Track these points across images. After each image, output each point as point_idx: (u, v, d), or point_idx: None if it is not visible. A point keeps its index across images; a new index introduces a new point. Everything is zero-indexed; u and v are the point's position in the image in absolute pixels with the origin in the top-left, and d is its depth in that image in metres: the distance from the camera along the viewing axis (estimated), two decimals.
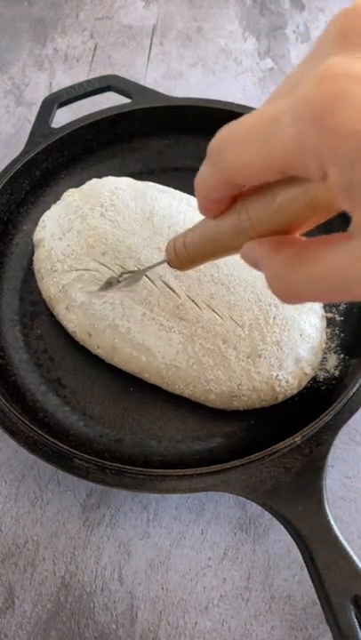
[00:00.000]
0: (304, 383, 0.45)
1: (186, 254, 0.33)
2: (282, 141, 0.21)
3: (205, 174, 0.26)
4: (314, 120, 0.19)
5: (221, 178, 0.25)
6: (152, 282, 0.45)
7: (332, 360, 0.47)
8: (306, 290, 0.24)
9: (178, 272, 0.45)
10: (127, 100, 0.57)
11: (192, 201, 0.50)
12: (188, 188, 0.51)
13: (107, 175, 0.53)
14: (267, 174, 0.23)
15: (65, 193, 0.51)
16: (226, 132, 0.24)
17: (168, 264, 0.35)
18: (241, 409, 0.44)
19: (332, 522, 0.37)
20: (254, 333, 0.43)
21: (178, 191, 0.51)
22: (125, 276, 0.43)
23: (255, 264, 0.26)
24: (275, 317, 0.44)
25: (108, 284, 0.44)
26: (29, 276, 0.51)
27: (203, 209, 0.28)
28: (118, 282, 0.43)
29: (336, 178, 0.19)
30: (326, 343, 0.47)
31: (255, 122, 0.22)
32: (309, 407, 0.44)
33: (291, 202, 0.24)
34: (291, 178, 0.23)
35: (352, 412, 0.42)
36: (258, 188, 0.26)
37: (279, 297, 0.25)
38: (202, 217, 0.48)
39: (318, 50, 0.23)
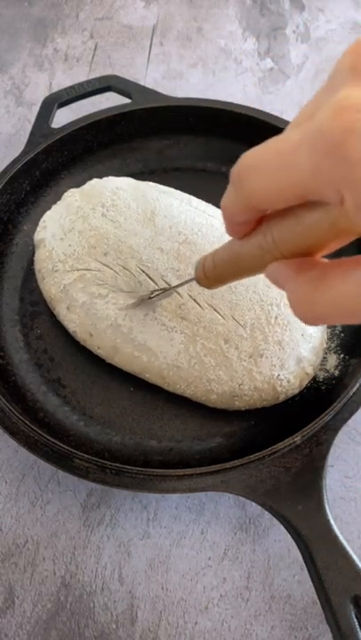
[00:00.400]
0: (305, 383, 0.45)
1: (214, 273, 0.33)
2: (299, 170, 0.21)
3: (229, 198, 0.27)
4: (328, 150, 0.20)
5: (244, 202, 0.26)
6: (154, 282, 0.45)
7: (332, 360, 0.47)
8: (327, 312, 0.24)
9: (180, 272, 0.45)
10: (127, 101, 0.57)
11: (193, 201, 0.50)
12: (189, 188, 0.52)
13: (107, 175, 0.53)
14: (287, 200, 0.23)
15: (65, 193, 0.51)
16: (247, 159, 0.24)
17: (197, 282, 0.35)
18: (242, 409, 0.44)
19: (332, 522, 0.37)
20: (256, 333, 0.44)
21: (178, 191, 0.51)
22: (156, 293, 0.43)
23: (279, 284, 0.27)
24: (276, 317, 0.44)
25: (140, 301, 0.43)
26: (30, 276, 0.52)
27: (229, 230, 0.29)
28: (149, 299, 0.43)
29: (352, 203, 0.20)
30: (326, 343, 0.47)
31: (275, 150, 0.23)
32: (309, 407, 0.44)
33: (314, 225, 0.25)
34: (313, 202, 0.24)
35: (352, 412, 0.42)
36: (282, 211, 0.26)
37: (301, 318, 0.26)
38: (205, 223, 0.48)
39: (333, 81, 0.23)
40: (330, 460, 0.40)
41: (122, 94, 0.57)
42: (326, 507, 0.38)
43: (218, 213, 0.50)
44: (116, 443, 0.45)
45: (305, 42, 0.71)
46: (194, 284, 0.46)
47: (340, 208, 0.21)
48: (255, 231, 0.28)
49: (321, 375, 0.46)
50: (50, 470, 0.45)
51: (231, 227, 0.29)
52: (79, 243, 0.47)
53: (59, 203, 0.51)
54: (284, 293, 0.47)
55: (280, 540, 0.42)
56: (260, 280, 0.45)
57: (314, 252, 0.26)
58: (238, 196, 0.26)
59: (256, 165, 0.24)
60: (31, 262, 0.51)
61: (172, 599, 0.41)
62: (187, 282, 0.39)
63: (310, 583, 0.37)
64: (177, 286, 0.42)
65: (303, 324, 0.44)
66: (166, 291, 0.43)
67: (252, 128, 0.55)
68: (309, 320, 0.25)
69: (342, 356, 0.47)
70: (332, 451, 0.40)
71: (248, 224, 0.28)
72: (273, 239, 0.27)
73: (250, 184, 0.24)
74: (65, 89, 0.57)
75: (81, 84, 0.57)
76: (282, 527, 0.39)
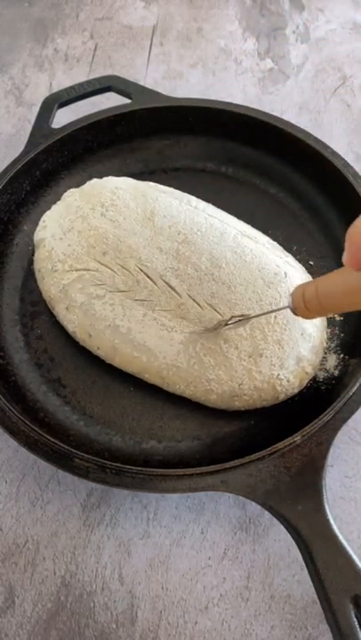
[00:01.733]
0: (305, 382, 0.45)
1: (317, 304, 0.32)
2: None
3: None
4: None
5: None
6: (153, 281, 0.45)
7: (332, 360, 0.47)
8: None
9: (179, 272, 0.45)
10: (127, 101, 0.57)
11: (192, 201, 0.50)
12: (189, 188, 0.52)
13: (107, 175, 0.53)
14: None
15: (65, 193, 0.51)
16: None
17: (292, 312, 0.34)
18: (242, 409, 0.44)
19: (331, 521, 0.37)
20: (255, 332, 0.44)
21: (178, 191, 0.51)
22: (235, 320, 0.42)
23: None
24: (275, 316, 0.44)
25: (218, 326, 0.43)
26: (30, 276, 0.52)
27: (352, 260, 0.28)
28: (227, 324, 0.43)
29: None
30: (326, 343, 0.47)
31: None
32: (309, 407, 0.44)
33: None
34: None
35: (352, 412, 0.42)
36: None
37: None
38: (205, 223, 0.48)
39: None
40: (330, 459, 0.40)
41: (122, 94, 0.57)
42: (326, 507, 0.38)
43: (217, 213, 0.50)
44: (116, 443, 0.45)
45: (305, 42, 0.71)
46: (193, 283, 0.45)
47: None
48: None
49: (321, 375, 0.46)
50: (50, 470, 0.45)
51: (357, 256, 0.27)
52: (78, 242, 0.47)
53: (58, 203, 0.51)
54: (283, 293, 0.47)
55: (280, 540, 0.42)
56: (259, 279, 0.45)
57: None
58: None
59: None
60: (31, 262, 0.51)
61: (172, 599, 0.41)
62: (277, 310, 0.38)
63: (310, 583, 0.37)
64: (258, 315, 0.42)
65: (302, 324, 0.44)
66: (244, 318, 0.42)
67: (252, 128, 0.55)
68: None
69: (342, 355, 0.47)
70: (332, 451, 0.40)
71: None
72: None
73: None
74: (65, 89, 0.57)
75: (81, 85, 0.57)
76: (282, 527, 0.39)
